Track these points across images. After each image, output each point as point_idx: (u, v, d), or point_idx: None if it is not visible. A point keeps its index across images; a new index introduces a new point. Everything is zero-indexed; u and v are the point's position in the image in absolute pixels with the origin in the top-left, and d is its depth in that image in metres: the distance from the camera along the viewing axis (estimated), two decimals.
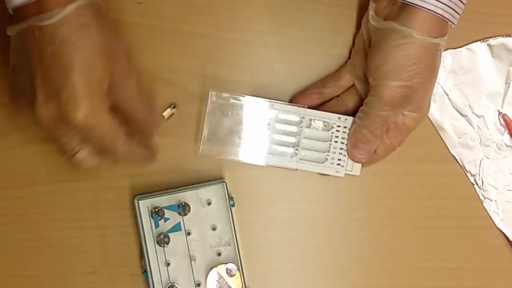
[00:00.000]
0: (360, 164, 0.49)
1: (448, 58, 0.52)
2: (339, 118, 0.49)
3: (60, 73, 0.40)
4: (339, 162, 0.49)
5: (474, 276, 0.52)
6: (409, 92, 0.45)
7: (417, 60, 0.44)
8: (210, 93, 0.48)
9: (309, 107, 0.49)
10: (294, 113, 0.48)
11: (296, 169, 0.48)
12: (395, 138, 0.48)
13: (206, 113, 0.48)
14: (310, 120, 0.49)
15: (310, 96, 0.50)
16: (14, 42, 0.43)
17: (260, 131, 0.48)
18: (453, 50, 0.52)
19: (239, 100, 0.48)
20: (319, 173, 0.49)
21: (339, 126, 0.49)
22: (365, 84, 0.48)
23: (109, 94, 0.43)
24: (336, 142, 0.49)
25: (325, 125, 0.49)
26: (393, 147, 0.49)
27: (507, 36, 0.52)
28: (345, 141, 0.49)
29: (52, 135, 0.43)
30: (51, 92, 0.41)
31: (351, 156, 0.48)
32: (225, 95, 0.48)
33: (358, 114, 0.48)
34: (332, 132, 0.49)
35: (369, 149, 0.48)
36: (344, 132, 0.49)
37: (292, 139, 0.48)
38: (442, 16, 0.44)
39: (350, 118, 0.48)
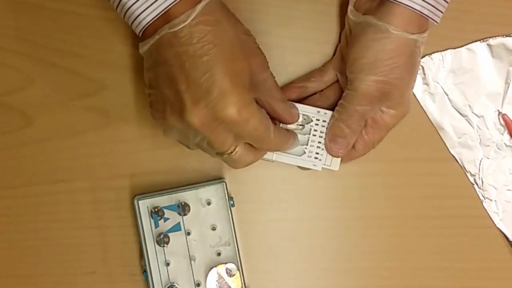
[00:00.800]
0: (339, 159, 0.49)
1: (448, 58, 0.52)
2: (318, 112, 0.49)
3: (204, 72, 0.40)
4: (316, 155, 0.49)
5: (474, 276, 0.52)
6: (385, 87, 0.45)
7: (393, 55, 0.44)
8: None
9: (290, 100, 0.49)
10: None
11: (273, 161, 0.48)
12: (374, 134, 0.48)
13: None
14: None
15: (293, 89, 0.50)
16: (148, 59, 0.43)
17: None
18: (453, 50, 0.52)
19: None
20: (298, 166, 0.49)
21: (318, 120, 0.49)
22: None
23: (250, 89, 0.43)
24: (314, 135, 0.49)
25: (304, 118, 0.49)
26: (372, 143, 0.49)
27: (507, 36, 0.52)
28: (323, 135, 0.49)
29: (207, 137, 0.42)
30: (198, 94, 0.40)
31: (329, 150, 0.48)
32: None
33: (337, 108, 0.48)
34: (311, 126, 0.49)
35: (347, 143, 0.48)
36: (323, 126, 0.49)
37: None
38: (421, 12, 0.44)
39: (329, 112, 0.49)
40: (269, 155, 0.48)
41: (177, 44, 0.40)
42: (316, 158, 0.49)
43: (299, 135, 0.49)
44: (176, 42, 0.40)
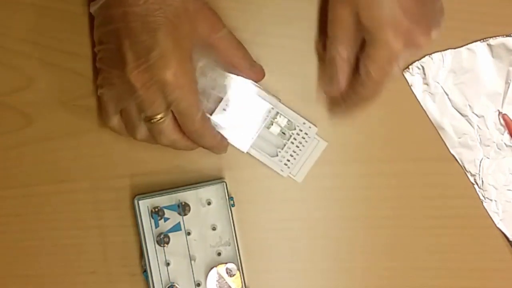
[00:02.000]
0: (303, 173, 0.50)
1: (448, 58, 0.52)
2: (304, 123, 0.50)
3: (148, 32, 0.42)
4: (287, 162, 0.50)
5: (474, 276, 0.52)
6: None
7: None
8: None
9: None
10: (265, 101, 0.49)
11: (245, 152, 0.50)
12: (366, 66, 0.45)
13: None
14: (277, 113, 0.50)
15: None
16: (98, 17, 0.45)
17: (228, 104, 0.49)
18: (453, 50, 0.52)
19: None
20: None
21: (301, 131, 0.50)
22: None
23: (204, 52, 0.45)
24: (292, 143, 0.50)
25: (288, 124, 0.50)
26: (372, 76, 0.44)
27: (507, 36, 0.52)
28: (300, 146, 0.50)
29: (140, 96, 0.43)
30: (140, 51, 0.42)
31: (323, 86, 0.49)
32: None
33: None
34: (292, 133, 0.50)
35: (343, 68, 0.46)
36: (303, 138, 0.50)
37: (253, 124, 0.49)
38: None
39: (314, 128, 0.50)
40: (242, 145, 0.49)
41: (125, 4, 0.42)
42: (285, 164, 0.50)
43: (277, 138, 0.50)
44: (124, 2, 0.42)
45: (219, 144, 0.48)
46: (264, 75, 0.49)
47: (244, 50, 0.48)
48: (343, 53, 0.46)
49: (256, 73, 0.49)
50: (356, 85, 0.46)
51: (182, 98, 0.43)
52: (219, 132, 0.49)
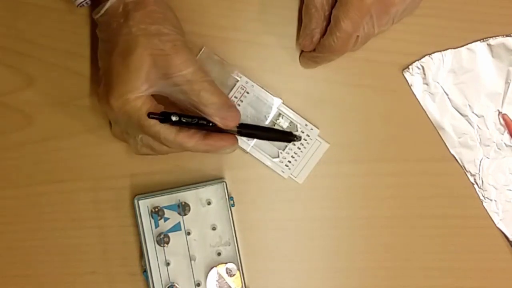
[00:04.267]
0: (304, 174, 0.50)
1: (448, 58, 0.52)
2: (306, 125, 0.50)
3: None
4: (288, 164, 0.50)
5: (474, 276, 0.52)
6: None
7: None
8: (203, 48, 0.50)
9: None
10: (267, 102, 0.50)
11: (247, 152, 0.50)
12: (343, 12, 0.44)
13: None
14: (279, 114, 0.50)
15: None
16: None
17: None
18: (453, 50, 0.52)
19: (226, 67, 0.50)
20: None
21: (302, 132, 0.50)
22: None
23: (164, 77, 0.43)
24: (294, 144, 0.50)
25: (290, 125, 0.50)
26: (341, 25, 0.44)
27: (507, 36, 0.52)
28: (302, 148, 0.50)
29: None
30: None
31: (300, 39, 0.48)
32: (215, 57, 0.50)
33: None
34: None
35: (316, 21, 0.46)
36: (305, 140, 0.50)
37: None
38: None
39: (315, 130, 0.50)
40: (244, 145, 0.50)
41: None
42: (286, 166, 0.50)
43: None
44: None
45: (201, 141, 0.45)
46: (235, 121, 0.44)
47: (217, 95, 0.43)
48: (317, 1, 0.45)
49: (223, 120, 0.44)
50: (326, 34, 0.46)
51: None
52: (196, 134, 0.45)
